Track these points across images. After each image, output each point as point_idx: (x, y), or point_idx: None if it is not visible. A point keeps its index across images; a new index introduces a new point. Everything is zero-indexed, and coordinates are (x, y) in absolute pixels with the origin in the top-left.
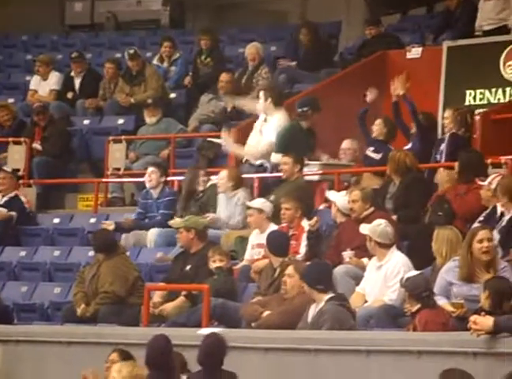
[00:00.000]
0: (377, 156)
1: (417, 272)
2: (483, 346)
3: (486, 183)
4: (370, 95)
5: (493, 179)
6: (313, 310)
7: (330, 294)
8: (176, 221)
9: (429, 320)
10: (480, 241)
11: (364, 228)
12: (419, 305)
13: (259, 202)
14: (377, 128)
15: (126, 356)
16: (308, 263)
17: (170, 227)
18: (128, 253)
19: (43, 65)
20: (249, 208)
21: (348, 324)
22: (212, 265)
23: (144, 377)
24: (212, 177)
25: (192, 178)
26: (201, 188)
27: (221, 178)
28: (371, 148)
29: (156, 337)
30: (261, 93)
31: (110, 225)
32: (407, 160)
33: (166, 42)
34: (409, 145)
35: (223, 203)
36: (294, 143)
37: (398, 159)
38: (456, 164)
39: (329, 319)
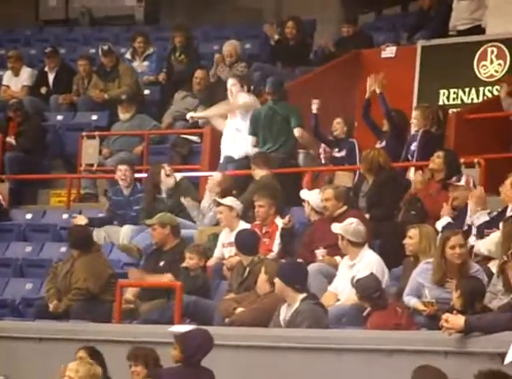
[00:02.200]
0: (340, 154)
1: (368, 273)
2: (455, 345)
3: (462, 183)
4: (314, 105)
5: (468, 179)
6: (285, 310)
7: (304, 294)
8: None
9: (380, 324)
10: (453, 247)
11: (336, 227)
12: (369, 308)
13: (229, 199)
14: (338, 126)
15: (93, 353)
16: (285, 261)
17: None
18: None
19: (17, 61)
20: (219, 205)
21: (324, 323)
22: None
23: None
24: (178, 174)
25: (153, 173)
26: (162, 179)
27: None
28: (336, 150)
29: (202, 331)
30: (235, 80)
31: (82, 220)
32: (380, 159)
33: (139, 37)
34: (383, 143)
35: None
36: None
37: (371, 158)
38: (431, 163)
39: (308, 318)
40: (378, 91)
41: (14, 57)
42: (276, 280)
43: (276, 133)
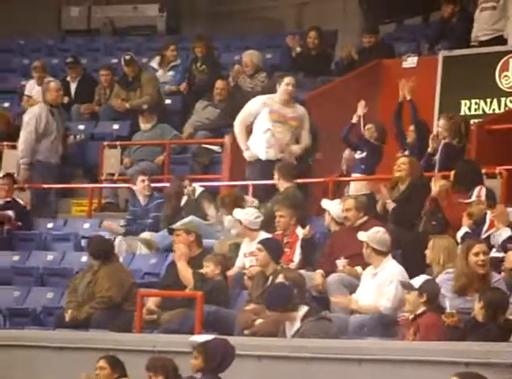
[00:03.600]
0: (360, 155)
1: (428, 277)
2: (476, 356)
3: (474, 198)
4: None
5: (479, 192)
6: (288, 327)
7: (303, 311)
8: (177, 224)
9: (431, 323)
10: (477, 254)
11: (363, 235)
12: (424, 308)
13: (241, 213)
14: (368, 132)
15: (114, 362)
16: (269, 291)
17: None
18: (121, 260)
19: (43, 71)
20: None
21: (332, 333)
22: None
23: None
24: (195, 184)
25: (179, 189)
26: (185, 197)
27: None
28: (358, 152)
29: (224, 341)
30: (294, 81)
31: (117, 230)
32: (415, 167)
33: (172, 45)
34: (406, 153)
35: None
36: None
37: (416, 165)
38: (451, 173)
39: (317, 336)
40: (408, 97)
41: (39, 67)
42: (270, 313)
43: None
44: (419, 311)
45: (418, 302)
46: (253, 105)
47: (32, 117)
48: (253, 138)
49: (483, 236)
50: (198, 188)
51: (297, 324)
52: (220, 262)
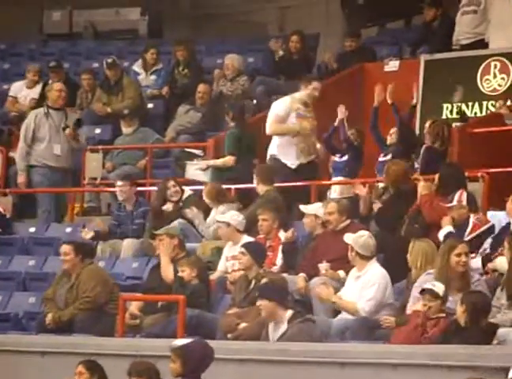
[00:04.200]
0: (341, 159)
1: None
2: (459, 359)
3: (455, 203)
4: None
5: (460, 196)
6: (272, 329)
7: (290, 312)
8: (161, 230)
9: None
10: (459, 255)
11: (348, 237)
12: (443, 314)
13: (228, 216)
14: (351, 136)
15: (92, 367)
16: (265, 282)
17: (143, 237)
18: (103, 263)
19: (37, 75)
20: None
21: (316, 337)
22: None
23: None
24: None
25: (161, 192)
26: (174, 198)
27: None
28: (338, 155)
29: (202, 344)
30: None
31: (88, 233)
32: (405, 173)
33: (152, 49)
34: (388, 156)
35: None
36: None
37: (398, 172)
38: (436, 177)
39: (304, 339)
40: (389, 102)
41: (34, 70)
42: (263, 303)
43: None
44: (436, 315)
45: (439, 310)
46: (279, 110)
47: (24, 124)
48: (279, 144)
49: (466, 239)
50: (187, 191)
51: (283, 327)
52: (194, 264)
